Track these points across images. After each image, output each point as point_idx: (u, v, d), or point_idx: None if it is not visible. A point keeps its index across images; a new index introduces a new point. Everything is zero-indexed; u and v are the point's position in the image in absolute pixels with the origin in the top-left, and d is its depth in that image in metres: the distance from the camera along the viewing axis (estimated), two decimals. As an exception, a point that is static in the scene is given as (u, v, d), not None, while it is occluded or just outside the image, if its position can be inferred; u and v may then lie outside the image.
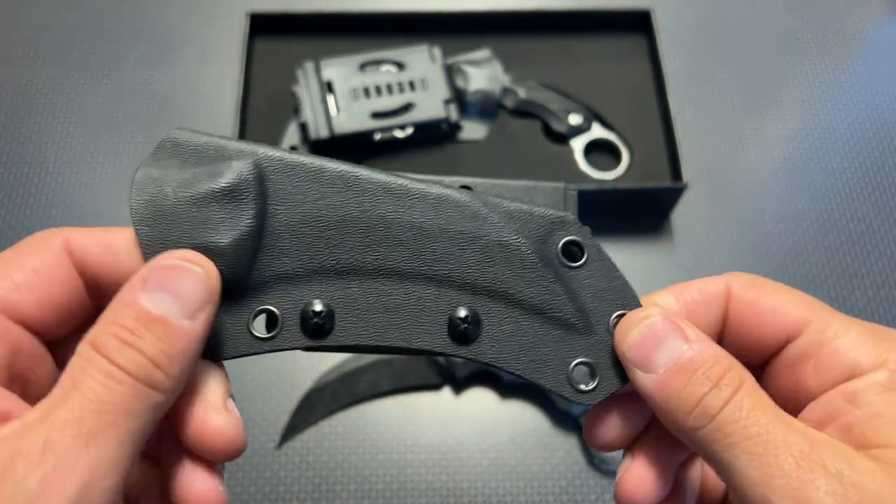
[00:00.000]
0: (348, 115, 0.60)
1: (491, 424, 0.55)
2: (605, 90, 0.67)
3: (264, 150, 0.26)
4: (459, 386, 0.56)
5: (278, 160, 0.26)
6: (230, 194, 0.25)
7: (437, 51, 0.64)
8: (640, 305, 0.26)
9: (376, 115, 0.61)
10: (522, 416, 0.55)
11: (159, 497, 0.25)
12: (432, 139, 0.63)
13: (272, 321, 0.25)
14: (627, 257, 0.61)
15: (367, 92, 0.61)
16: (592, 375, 0.25)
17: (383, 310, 0.25)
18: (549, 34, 0.69)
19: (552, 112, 0.64)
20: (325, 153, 0.66)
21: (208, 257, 0.24)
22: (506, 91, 0.64)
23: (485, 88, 0.63)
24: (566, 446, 0.54)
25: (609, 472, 0.53)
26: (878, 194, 0.65)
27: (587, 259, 0.26)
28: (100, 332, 0.22)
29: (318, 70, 0.62)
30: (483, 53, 0.66)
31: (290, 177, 0.26)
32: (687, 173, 0.60)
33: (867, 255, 0.62)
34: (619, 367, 0.25)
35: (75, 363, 0.22)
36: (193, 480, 0.24)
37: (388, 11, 0.68)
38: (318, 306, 0.25)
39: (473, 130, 0.64)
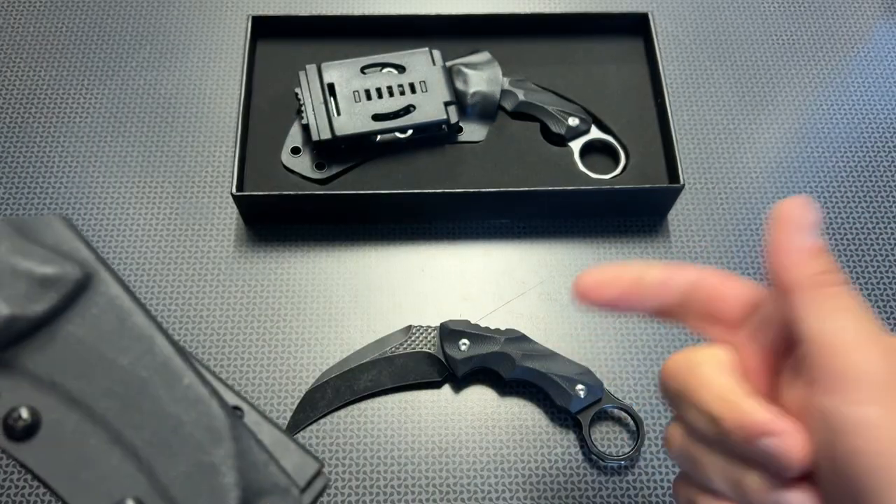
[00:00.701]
0: (350, 118, 0.61)
1: (490, 421, 0.55)
2: (603, 93, 0.67)
3: (105, 276, 0.27)
4: (460, 383, 0.57)
5: (105, 287, 0.27)
6: (44, 281, 0.26)
7: (437, 54, 0.64)
8: None
9: (377, 118, 0.61)
10: (522, 413, 0.56)
11: None
12: (433, 141, 0.64)
13: None
14: (625, 257, 0.62)
15: (368, 94, 0.62)
16: None
17: (76, 458, 0.25)
18: (547, 37, 0.70)
19: (551, 114, 0.65)
20: (327, 154, 0.67)
21: None
22: (505, 93, 0.65)
23: (484, 91, 0.64)
24: (564, 443, 0.55)
25: (607, 469, 0.54)
26: (873, 195, 0.65)
27: None
28: None
29: (319, 73, 0.63)
30: (483, 56, 0.66)
31: (101, 302, 0.26)
32: (684, 174, 0.61)
33: (862, 256, 0.63)
34: None
35: None
36: None
37: (389, 15, 0.69)
38: (25, 413, 0.25)
39: (473, 132, 0.65)
